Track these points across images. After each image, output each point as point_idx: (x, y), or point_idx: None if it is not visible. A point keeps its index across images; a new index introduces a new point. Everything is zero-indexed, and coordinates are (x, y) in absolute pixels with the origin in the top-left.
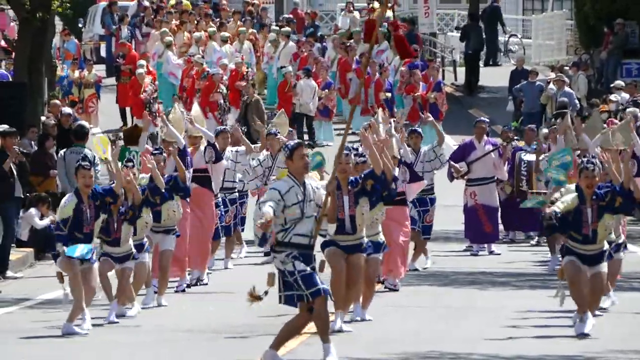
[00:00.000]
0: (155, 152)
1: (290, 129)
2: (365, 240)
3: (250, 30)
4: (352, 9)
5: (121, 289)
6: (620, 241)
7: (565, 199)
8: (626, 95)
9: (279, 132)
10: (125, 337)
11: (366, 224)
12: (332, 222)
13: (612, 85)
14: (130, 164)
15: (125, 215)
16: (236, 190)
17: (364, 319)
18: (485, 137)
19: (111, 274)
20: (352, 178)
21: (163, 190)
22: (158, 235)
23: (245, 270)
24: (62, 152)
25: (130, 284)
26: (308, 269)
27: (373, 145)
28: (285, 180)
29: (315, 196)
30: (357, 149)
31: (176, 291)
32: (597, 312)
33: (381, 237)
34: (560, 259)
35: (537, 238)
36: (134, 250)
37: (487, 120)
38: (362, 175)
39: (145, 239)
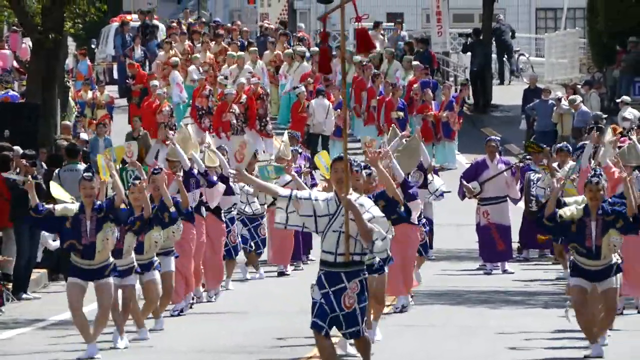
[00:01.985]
0: (155, 172)
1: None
2: (377, 259)
3: (276, 52)
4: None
5: (126, 309)
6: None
7: (572, 207)
8: (635, 111)
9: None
10: (136, 358)
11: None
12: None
13: (619, 100)
14: (137, 181)
15: (132, 226)
16: (233, 208)
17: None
18: (497, 156)
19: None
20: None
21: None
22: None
23: (257, 290)
24: (56, 171)
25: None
26: (318, 298)
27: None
28: (330, 193)
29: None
30: (366, 166)
31: (172, 315)
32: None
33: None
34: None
35: (554, 259)
36: (135, 264)
37: (498, 139)
38: (374, 196)
39: (155, 258)
